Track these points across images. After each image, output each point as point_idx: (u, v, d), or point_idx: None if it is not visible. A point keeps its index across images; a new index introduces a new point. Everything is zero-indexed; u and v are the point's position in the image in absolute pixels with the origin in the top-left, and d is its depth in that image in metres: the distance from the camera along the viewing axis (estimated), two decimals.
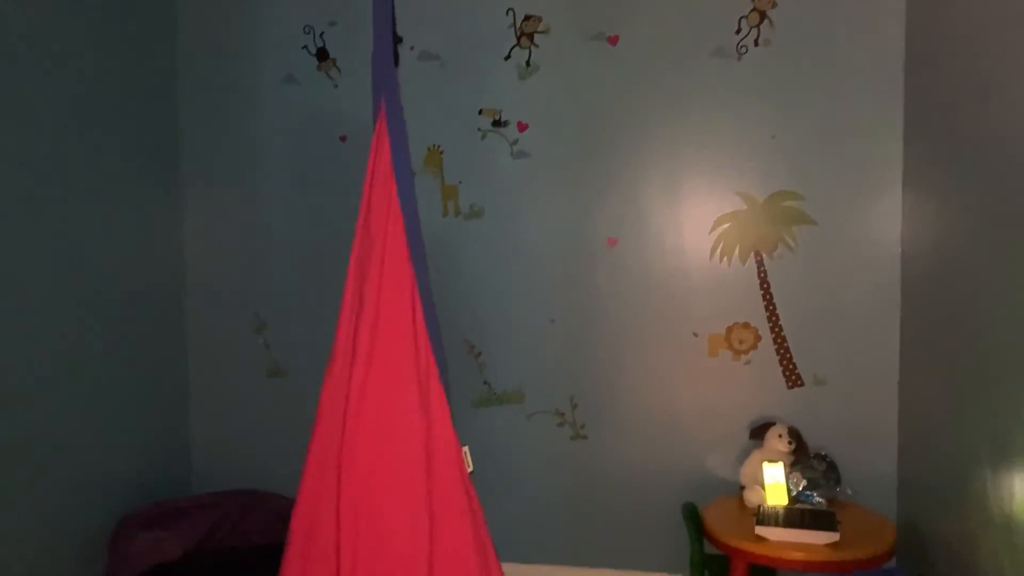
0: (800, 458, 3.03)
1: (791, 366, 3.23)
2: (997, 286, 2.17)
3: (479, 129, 3.44)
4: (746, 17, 3.20)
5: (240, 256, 3.70)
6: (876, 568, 2.63)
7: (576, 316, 3.40)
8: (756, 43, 3.20)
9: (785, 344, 3.23)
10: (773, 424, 3.12)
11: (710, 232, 3.28)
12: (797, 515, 2.77)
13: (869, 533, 2.76)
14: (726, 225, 3.27)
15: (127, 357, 3.36)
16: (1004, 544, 2.08)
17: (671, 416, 3.34)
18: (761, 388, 3.26)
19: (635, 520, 3.37)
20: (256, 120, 3.64)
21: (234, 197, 3.69)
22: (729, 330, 3.28)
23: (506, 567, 2.32)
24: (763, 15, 3.18)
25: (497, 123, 3.43)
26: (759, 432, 3.14)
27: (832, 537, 2.63)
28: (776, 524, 2.70)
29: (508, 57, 3.41)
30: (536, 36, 3.38)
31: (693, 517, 2.95)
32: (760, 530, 2.69)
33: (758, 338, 3.26)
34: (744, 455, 3.16)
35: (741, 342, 3.27)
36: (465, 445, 2.26)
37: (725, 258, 3.27)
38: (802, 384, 3.23)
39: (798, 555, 2.60)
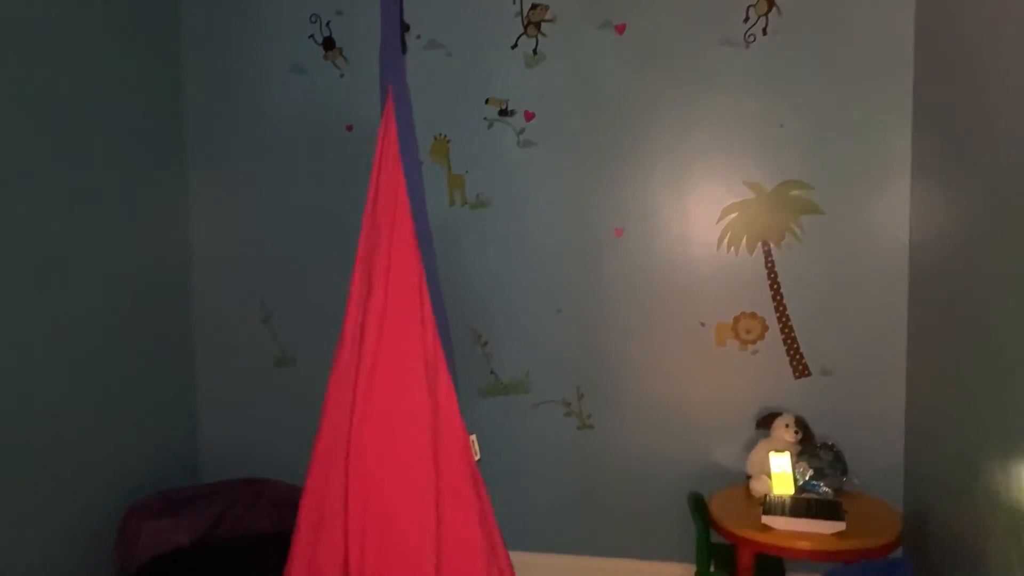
0: (807, 448, 3.03)
1: (798, 356, 3.23)
2: (1005, 276, 2.16)
3: (486, 118, 3.43)
4: (754, 6, 3.18)
5: (247, 245, 3.70)
6: (882, 557, 2.64)
7: (583, 306, 3.40)
8: (764, 32, 3.18)
9: (792, 334, 3.23)
10: (780, 414, 3.12)
11: (717, 222, 3.27)
12: (803, 504, 2.78)
13: (875, 523, 2.77)
14: (733, 215, 3.26)
15: (135, 347, 3.38)
16: (1011, 534, 2.08)
17: (678, 406, 3.34)
18: (768, 378, 3.25)
19: (641, 509, 3.38)
20: (263, 110, 3.64)
21: (241, 187, 3.69)
22: (736, 320, 3.28)
23: (513, 556, 2.33)
24: (771, 4, 3.16)
25: (504, 112, 3.42)
26: (766, 422, 3.14)
27: (838, 527, 2.64)
28: (782, 513, 2.71)
29: (515, 46, 3.39)
30: (543, 25, 3.36)
31: (699, 506, 2.96)
32: (767, 519, 2.69)
33: (765, 328, 3.25)
34: (751, 445, 3.17)
35: (748, 332, 3.27)
36: (472, 434, 2.27)
37: (732, 248, 3.26)
38: (809, 374, 3.23)
39: (804, 544, 2.62)
